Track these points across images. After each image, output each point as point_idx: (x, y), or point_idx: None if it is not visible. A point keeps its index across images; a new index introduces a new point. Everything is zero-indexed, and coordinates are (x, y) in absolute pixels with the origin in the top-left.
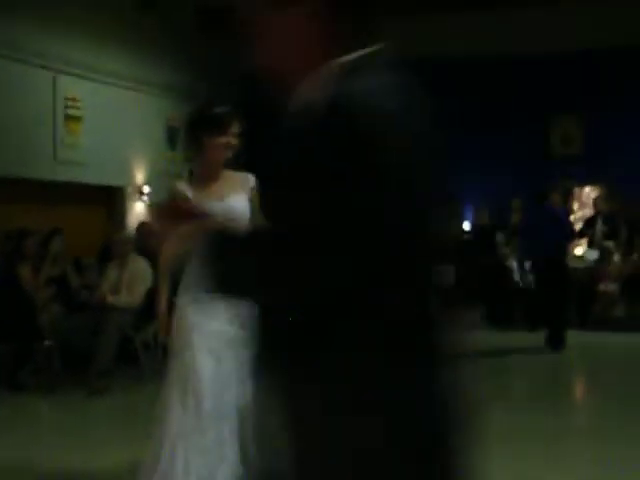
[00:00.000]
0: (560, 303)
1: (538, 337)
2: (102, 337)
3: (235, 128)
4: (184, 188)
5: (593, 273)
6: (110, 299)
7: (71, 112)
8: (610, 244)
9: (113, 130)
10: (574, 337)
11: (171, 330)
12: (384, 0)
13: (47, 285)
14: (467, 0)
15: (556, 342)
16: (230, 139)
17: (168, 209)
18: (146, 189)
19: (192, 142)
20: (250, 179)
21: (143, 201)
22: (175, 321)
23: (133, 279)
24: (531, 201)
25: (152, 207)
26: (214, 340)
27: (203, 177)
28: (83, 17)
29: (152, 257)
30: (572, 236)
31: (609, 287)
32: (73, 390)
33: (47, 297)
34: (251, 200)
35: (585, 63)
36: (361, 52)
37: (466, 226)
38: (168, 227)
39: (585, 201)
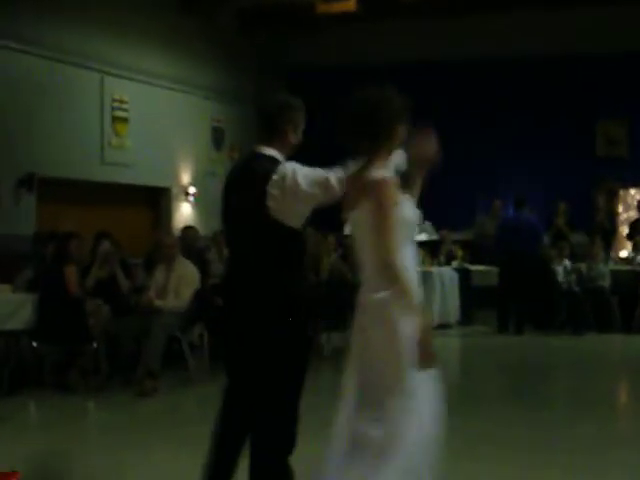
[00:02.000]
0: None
1: (583, 340)
2: (149, 339)
3: None
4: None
5: (637, 276)
6: (157, 303)
7: (118, 114)
8: None
9: (159, 131)
10: (618, 341)
11: None
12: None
13: (96, 287)
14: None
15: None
16: None
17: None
18: (191, 190)
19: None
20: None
21: (189, 202)
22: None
23: (180, 282)
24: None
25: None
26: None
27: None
28: (130, 19)
29: (197, 259)
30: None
31: None
32: (121, 391)
33: (95, 300)
34: None
35: (634, 66)
36: None
37: None
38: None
39: (630, 203)
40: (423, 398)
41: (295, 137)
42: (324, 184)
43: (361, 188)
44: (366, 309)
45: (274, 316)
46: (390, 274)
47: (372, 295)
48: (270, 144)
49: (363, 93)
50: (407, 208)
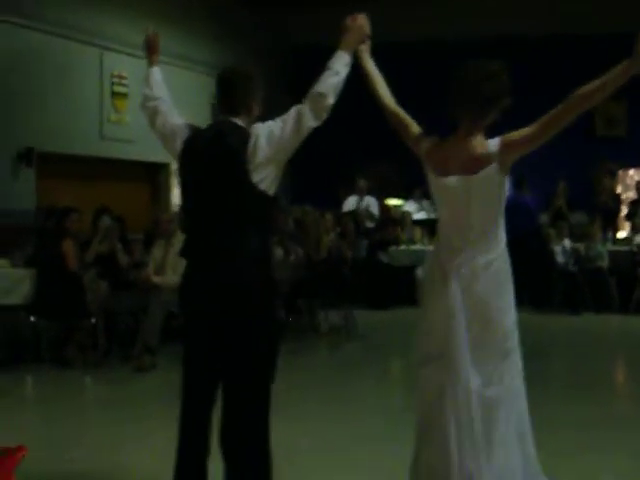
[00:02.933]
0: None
1: (580, 320)
2: (148, 315)
3: None
4: None
5: (635, 257)
6: (155, 279)
7: (117, 89)
8: None
9: None
10: (615, 321)
11: None
12: None
13: (95, 262)
14: None
15: None
16: None
17: None
18: None
19: None
20: None
21: None
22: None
23: (178, 258)
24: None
25: None
26: None
27: None
28: None
29: None
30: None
31: None
32: (119, 367)
33: (94, 275)
34: None
35: (631, 45)
36: None
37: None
38: None
39: (629, 184)
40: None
41: (258, 109)
42: (298, 120)
43: (484, 157)
44: (474, 269)
45: (264, 293)
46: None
47: (479, 258)
48: (237, 115)
49: (481, 63)
50: None
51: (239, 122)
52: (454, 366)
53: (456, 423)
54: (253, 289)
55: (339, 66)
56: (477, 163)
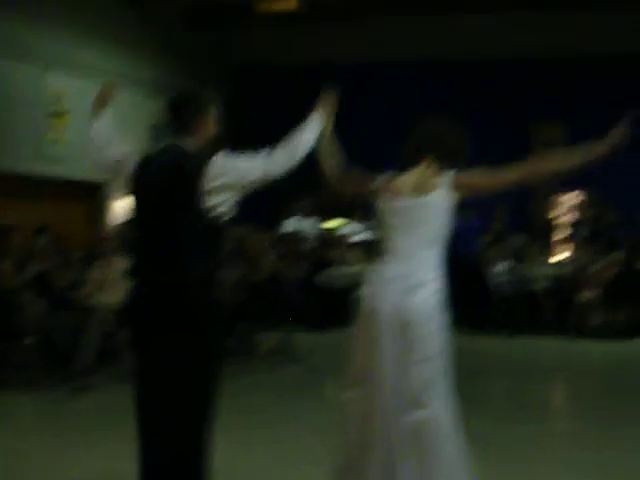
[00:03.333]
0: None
1: (516, 342)
2: (84, 335)
3: None
4: None
5: (573, 280)
6: (93, 299)
7: (56, 108)
8: (589, 251)
9: None
10: (552, 344)
11: None
12: None
13: (33, 281)
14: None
15: None
16: None
17: None
18: None
19: None
20: None
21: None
22: None
23: (116, 279)
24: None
25: None
26: None
27: None
28: (69, 13)
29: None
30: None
31: (589, 294)
32: (55, 387)
33: (31, 294)
34: None
35: (567, 71)
36: None
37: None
38: None
39: (566, 207)
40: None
41: (208, 130)
42: (258, 172)
43: (434, 181)
44: (410, 287)
45: (207, 314)
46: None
47: (417, 276)
48: (186, 137)
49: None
50: None
51: (189, 144)
52: (377, 391)
53: (381, 459)
54: (197, 310)
55: (313, 127)
56: (427, 186)
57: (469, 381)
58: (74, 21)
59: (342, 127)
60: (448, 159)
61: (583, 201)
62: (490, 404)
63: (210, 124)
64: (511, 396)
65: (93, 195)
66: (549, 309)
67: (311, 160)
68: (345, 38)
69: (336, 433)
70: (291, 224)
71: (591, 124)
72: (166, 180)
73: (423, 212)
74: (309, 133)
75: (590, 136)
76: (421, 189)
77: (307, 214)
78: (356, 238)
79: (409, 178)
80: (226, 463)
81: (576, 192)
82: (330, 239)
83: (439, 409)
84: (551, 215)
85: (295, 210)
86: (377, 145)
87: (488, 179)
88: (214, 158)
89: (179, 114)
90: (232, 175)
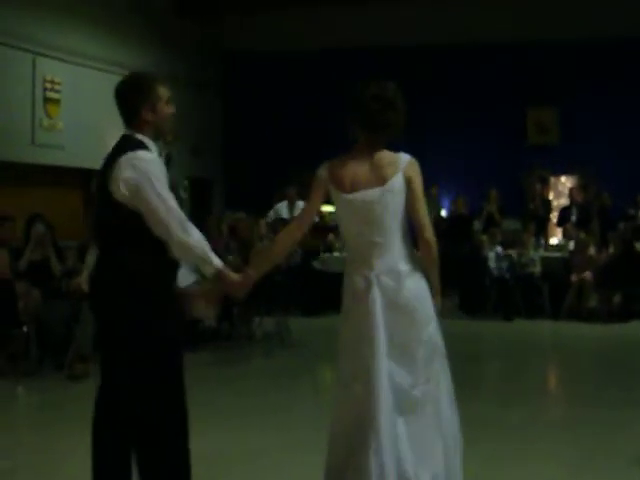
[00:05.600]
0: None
1: (512, 326)
2: (80, 323)
3: None
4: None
5: (567, 263)
6: (87, 288)
7: (50, 95)
8: (583, 234)
9: (91, 113)
10: (547, 327)
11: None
12: None
13: (28, 270)
14: None
15: None
16: None
17: None
18: None
19: None
20: None
21: None
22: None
23: None
24: None
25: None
26: None
27: None
28: (63, 1)
29: None
30: None
31: (584, 277)
32: (51, 376)
33: (26, 283)
34: None
35: (563, 54)
36: None
37: (443, 214)
38: None
39: (561, 190)
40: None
41: (154, 115)
42: (166, 215)
43: (391, 166)
44: (396, 276)
45: (136, 308)
46: (428, 247)
47: (397, 265)
48: (132, 127)
49: (374, 83)
50: None
51: (135, 133)
52: (375, 386)
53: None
54: (125, 304)
55: (208, 261)
56: (385, 173)
57: (466, 364)
58: (66, 8)
59: (335, 111)
60: (372, 128)
61: (577, 184)
62: (486, 387)
63: (159, 105)
64: (507, 379)
65: (87, 182)
66: (544, 292)
67: (306, 144)
68: (334, 24)
69: (328, 421)
70: (283, 210)
71: (584, 106)
72: (101, 173)
73: (386, 200)
74: (203, 254)
75: (582, 118)
76: (379, 177)
77: (298, 200)
78: None
79: (362, 167)
80: (221, 448)
81: (570, 175)
82: (324, 224)
83: (436, 391)
84: (546, 198)
85: (286, 196)
86: None
87: (412, 204)
88: (139, 154)
89: (124, 101)
90: (138, 194)
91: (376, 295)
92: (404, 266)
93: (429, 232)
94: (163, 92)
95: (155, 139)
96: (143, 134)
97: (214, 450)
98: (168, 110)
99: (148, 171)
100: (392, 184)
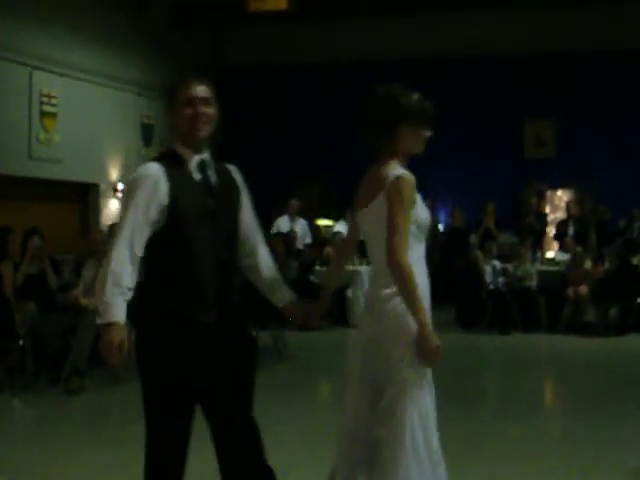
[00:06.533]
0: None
1: (509, 340)
2: (76, 337)
3: None
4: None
5: (564, 277)
6: (84, 301)
7: (47, 109)
8: (580, 248)
9: (88, 127)
10: (544, 341)
11: None
12: None
13: (25, 284)
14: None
15: None
16: None
17: None
18: (120, 186)
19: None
20: None
21: (117, 198)
22: None
23: None
24: None
25: None
26: None
27: None
28: (60, 15)
29: None
30: None
31: (581, 290)
32: (48, 389)
33: (23, 296)
34: None
35: (560, 67)
36: None
37: (441, 228)
38: None
39: (557, 204)
40: (428, 393)
41: (176, 118)
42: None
43: (378, 183)
44: (373, 304)
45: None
46: (396, 272)
47: (380, 291)
48: (175, 134)
49: (375, 92)
50: (422, 209)
51: (173, 144)
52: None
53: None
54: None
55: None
56: (370, 192)
57: (462, 378)
58: (63, 22)
59: (334, 124)
60: (379, 132)
61: (574, 198)
62: (482, 401)
63: (177, 107)
64: (504, 393)
65: (84, 196)
66: (541, 306)
67: (305, 158)
68: (334, 38)
69: (329, 434)
70: (282, 224)
71: (581, 120)
72: None
73: (368, 223)
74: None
75: (579, 132)
76: (367, 198)
77: (297, 214)
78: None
79: (363, 183)
80: (216, 464)
81: (567, 189)
82: (321, 238)
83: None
84: (542, 211)
85: (285, 210)
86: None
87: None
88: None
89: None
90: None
91: (368, 318)
92: (386, 291)
93: (396, 256)
94: (183, 93)
95: (187, 145)
96: (177, 141)
97: (207, 465)
98: (185, 111)
99: (125, 191)
100: (372, 205)
